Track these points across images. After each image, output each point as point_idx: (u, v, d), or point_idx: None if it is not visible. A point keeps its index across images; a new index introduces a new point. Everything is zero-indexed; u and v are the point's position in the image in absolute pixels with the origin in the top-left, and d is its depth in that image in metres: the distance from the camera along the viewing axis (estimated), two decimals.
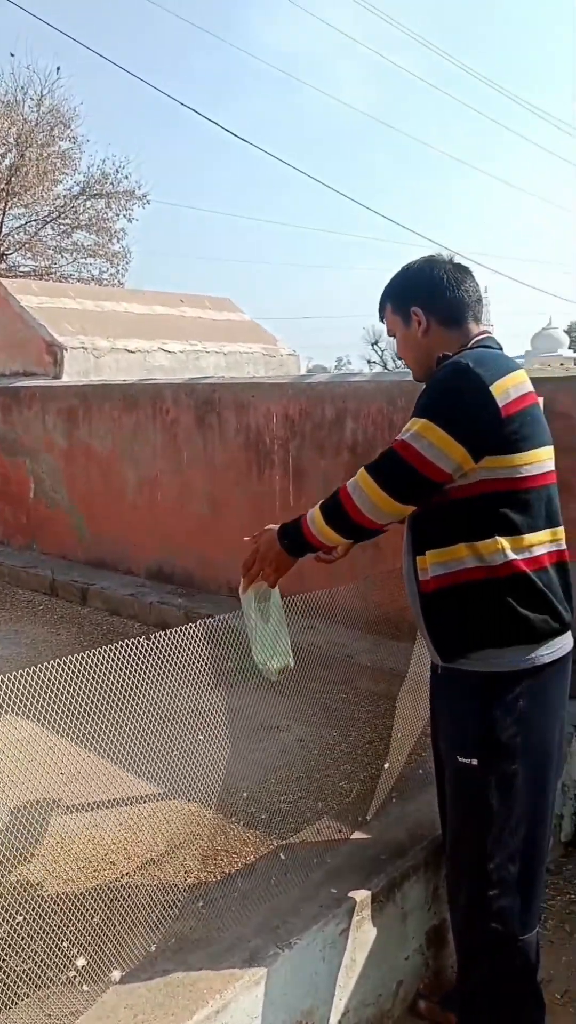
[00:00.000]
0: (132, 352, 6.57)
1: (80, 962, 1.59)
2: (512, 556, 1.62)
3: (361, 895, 1.93)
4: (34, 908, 1.79)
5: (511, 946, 1.74)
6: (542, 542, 1.66)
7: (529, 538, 1.64)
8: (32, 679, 1.69)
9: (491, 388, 1.58)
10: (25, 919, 1.71)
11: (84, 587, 4.99)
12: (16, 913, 1.74)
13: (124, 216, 23.08)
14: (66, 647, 4.21)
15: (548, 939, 2.25)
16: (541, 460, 1.66)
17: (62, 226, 23.11)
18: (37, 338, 6.39)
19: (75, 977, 1.59)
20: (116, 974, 1.63)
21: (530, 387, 1.67)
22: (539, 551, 1.65)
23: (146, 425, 4.92)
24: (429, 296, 1.79)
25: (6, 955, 1.60)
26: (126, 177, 22.59)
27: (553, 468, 1.71)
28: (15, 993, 1.57)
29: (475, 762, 1.68)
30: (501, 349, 1.77)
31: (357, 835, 2.19)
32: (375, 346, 35.61)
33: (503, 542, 1.62)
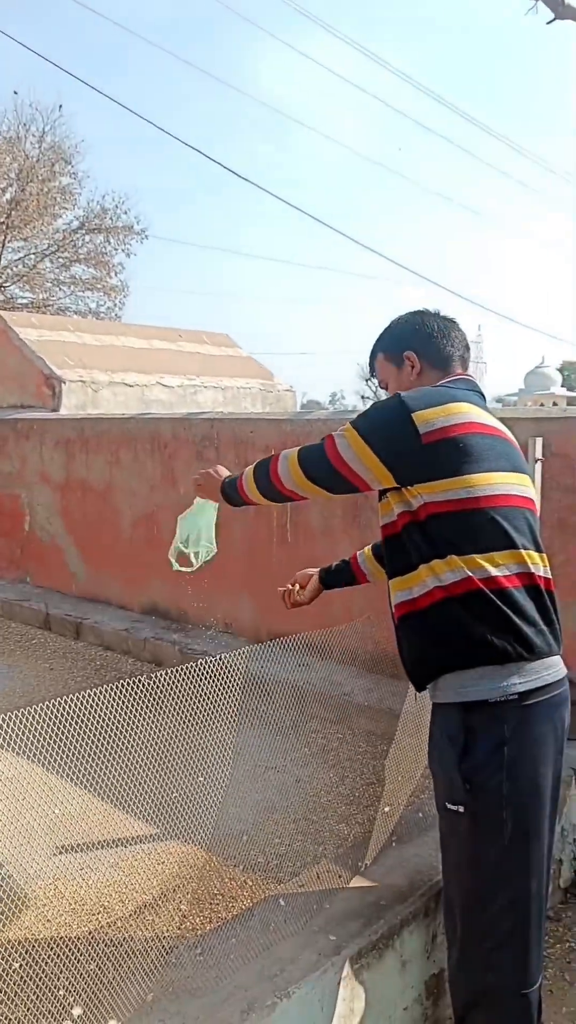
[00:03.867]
0: (130, 386, 6.62)
1: (76, 1011, 1.56)
2: (468, 574, 1.64)
3: (361, 942, 1.90)
4: (28, 953, 1.76)
5: (509, 1000, 1.71)
6: (504, 563, 1.66)
7: (485, 557, 1.65)
8: (28, 718, 1.68)
9: (413, 414, 1.65)
10: (21, 965, 1.67)
11: (78, 622, 4.96)
12: (12, 959, 1.70)
13: (122, 251, 23.38)
14: (59, 682, 4.18)
15: (548, 988, 2.21)
16: (494, 483, 1.68)
17: (61, 259, 23.36)
18: (35, 371, 6.43)
19: None
20: (114, 1023, 1.60)
21: (472, 417, 1.70)
22: (500, 571, 1.65)
23: (144, 459, 4.94)
24: (421, 342, 1.90)
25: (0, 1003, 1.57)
26: (125, 212, 22.93)
27: (522, 493, 1.73)
28: None
29: (462, 809, 1.67)
30: (476, 391, 1.83)
31: (356, 880, 2.16)
32: (368, 381, 35.93)
33: (458, 560, 1.65)
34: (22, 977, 1.66)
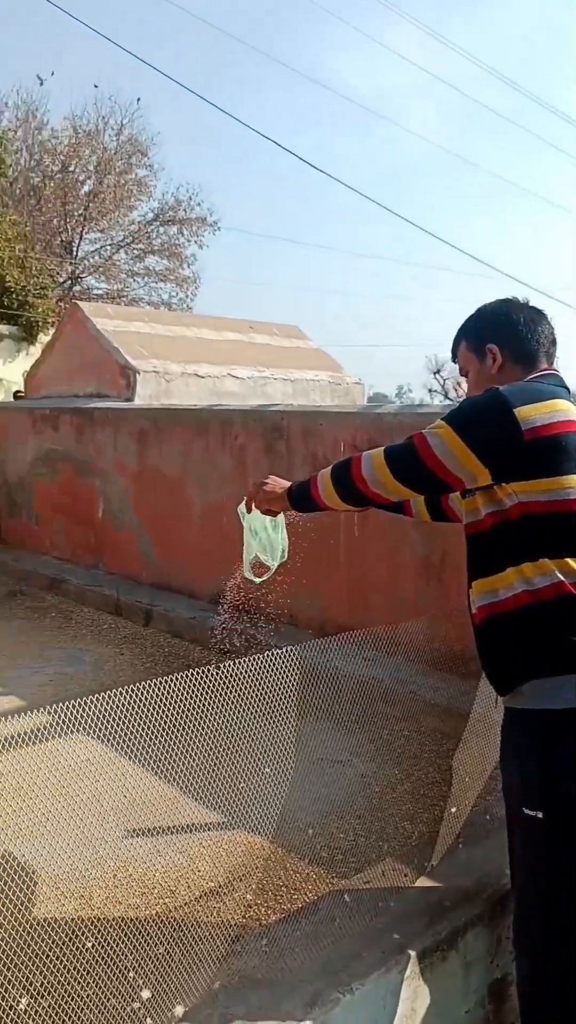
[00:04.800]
0: (202, 377, 6.69)
1: (145, 994, 1.60)
2: (560, 578, 1.59)
3: (425, 942, 1.90)
4: (100, 933, 1.81)
5: None
6: None
7: None
8: (105, 702, 1.72)
9: (515, 410, 1.60)
10: (93, 944, 1.72)
11: (148, 608, 5.06)
12: (85, 937, 1.76)
13: (195, 242, 23.61)
14: (129, 667, 4.27)
15: None
16: None
17: (135, 251, 23.74)
18: (111, 361, 6.56)
19: (140, 1009, 1.60)
20: (179, 1010, 1.63)
21: (571, 415, 1.65)
22: None
23: (215, 450, 4.99)
24: (505, 335, 1.83)
25: (73, 980, 1.62)
26: (199, 204, 23.14)
27: None
28: (79, 1018, 1.59)
29: (540, 815, 1.64)
30: (565, 387, 1.76)
31: (421, 880, 2.15)
32: (437, 375, 35.39)
33: (550, 564, 1.60)
34: (94, 956, 1.71)
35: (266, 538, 2.18)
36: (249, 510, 2.15)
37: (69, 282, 22.09)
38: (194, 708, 1.98)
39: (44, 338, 16.48)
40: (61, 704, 1.62)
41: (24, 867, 2.27)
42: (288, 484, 2.03)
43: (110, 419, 5.98)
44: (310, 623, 4.37)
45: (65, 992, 1.59)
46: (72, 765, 2.26)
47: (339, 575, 4.16)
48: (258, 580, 2.25)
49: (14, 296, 16.87)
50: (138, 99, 25.44)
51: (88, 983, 1.65)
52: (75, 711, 1.66)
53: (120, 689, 1.77)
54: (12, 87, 31.74)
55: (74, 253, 22.69)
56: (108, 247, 23.41)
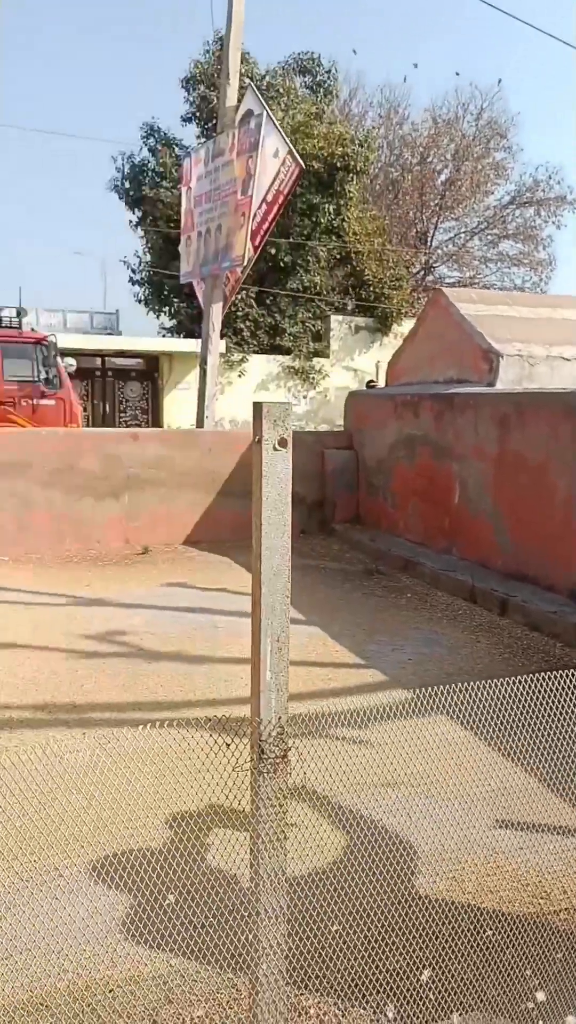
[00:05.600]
0: (568, 360, 6.31)
1: (540, 996, 1.51)
2: None
3: None
4: (473, 920, 1.77)
5: None
6: None
7: None
8: (474, 692, 1.66)
9: None
10: (493, 933, 1.68)
11: (504, 598, 4.91)
12: (484, 927, 1.73)
13: (552, 223, 22.53)
14: (486, 655, 4.18)
15: None
16: None
17: (489, 236, 23.35)
18: (473, 345, 6.47)
19: (532, 1009, 1.52)
20: (572, 1020, 1.52)
21: None
22: None
23: None
24: None
25: (469, 971, 1.59)
26: (558, 183, 22.02)
27: None
28: (481, 995, 1.55)
29: None
30: None
31: None
32: None
33: None
34: (471, 943, 1.67)
35: None
36: None
37: (422, 272, 22.44)
38: (563, 707, 1.84)
39: (398, 328, 16.99)
40: (430, 688, 1.59)
41: (399, 839, 2.30)
42: None
43: (471, 404, 5.91)
44: None
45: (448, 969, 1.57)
46: (434, 743, 2.24)
47: None
48: None
49: (371, 289, 17.60)
50: (499, 80, 24.92)
51: (484, 975, 1.61)
52: (444, 698, 1.62)
53: (492, 680, 1.70)
54: (377, 87, 32.96)
55: (428, 243, 22.98)
56: (462, 235, 23.35)
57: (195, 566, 6.29)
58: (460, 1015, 1.52)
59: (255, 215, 8.18)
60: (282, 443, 1.26)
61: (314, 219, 16.52)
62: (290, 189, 8.48)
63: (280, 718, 1.25)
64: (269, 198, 8.30)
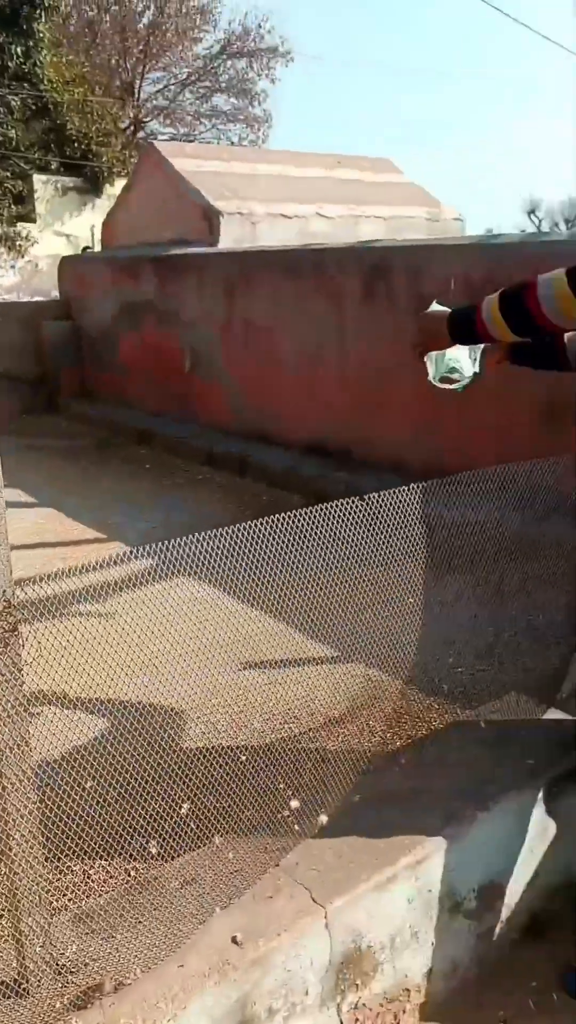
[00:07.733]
0: (289, 218, 6.34)
1: (294, 804, 1.67)
2: None
3: (558, 768, 1.92)
4: (251, 750, 1.88)
5: None
6: None
7: None
8: (207, 543, 1.67)
9: None
10: (247, 758, 1.79)
11: (242, 458, 5.04)
12: (239, 752, 1.83)
13: (266, 76, 22.02)
14: (230, 516, 4.30)
15: None
16: None
17: (201, 89, 22.36)
18: (191, 203, 6.26)
19: (288, 816, 1.67)
20: (323, 819, 1.70)
21: None
22: None
23: (308, 295, 4.78)
24: None
25: (234, 786, 1.70)
26: (268, 32, 21.40)
27: None
28: (239, 817, 1.67)
29: None
30: None
31: (552, 712, 2.16)
32: (532, 215, 32.94)
33: None
34: (246, 767, 1.79)
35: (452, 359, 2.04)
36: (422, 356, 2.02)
37: (132, 128, 21.07)
38: (298, 549, 1.94)
39: (111, 190, 15.91)
40: (164, 543, 1.56)
41: (145, 699, 2.35)
42: (443, 311, 1.83)
43: (192, 266, 5.78)
44: (413, 474, 4.28)
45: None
46: (177, 604, 2.28)
47: (445, 421, 4.01)
48: (441, 385, 2.08)
49: (77, 145, 16.20)
50: None
51: (246, 790, 1.72)
52: (180, 550, 1.61)
53: (225, 528, 1.71)
54: None
55: (136, 95, 21.51)
56: (172, 87, 22.11)
57: None
58: (221, 836, 1.63)
59: None
60: None
61: (1, 62, 14.61)
62: None
63: (3, 591, 1.18)
64: None
